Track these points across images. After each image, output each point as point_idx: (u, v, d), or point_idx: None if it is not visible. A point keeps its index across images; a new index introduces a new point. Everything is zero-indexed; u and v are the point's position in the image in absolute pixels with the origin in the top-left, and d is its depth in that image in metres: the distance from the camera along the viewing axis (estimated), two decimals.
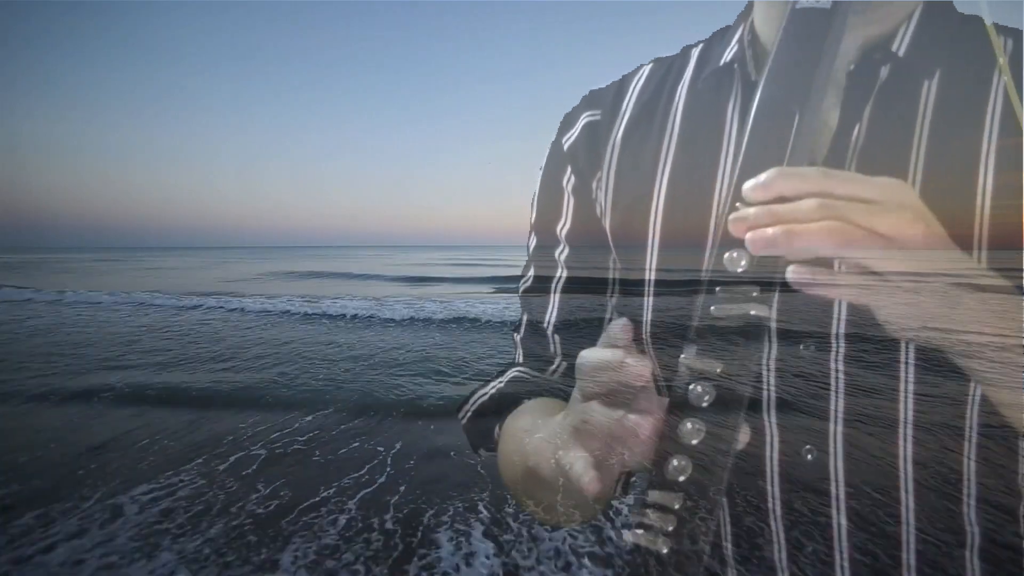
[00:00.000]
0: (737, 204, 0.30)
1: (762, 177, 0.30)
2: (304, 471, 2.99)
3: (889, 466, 0.41)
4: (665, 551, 0.31)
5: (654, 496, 0.32)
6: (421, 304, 9.65)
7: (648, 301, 0.50)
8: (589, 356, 0.32)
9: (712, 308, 0.32)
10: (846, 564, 0.43)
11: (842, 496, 0.42)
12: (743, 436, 0.32)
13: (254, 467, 3.01)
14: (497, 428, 0.53)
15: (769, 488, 0.44)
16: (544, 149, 0.60)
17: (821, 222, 0.29)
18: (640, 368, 0.30)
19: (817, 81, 0.32)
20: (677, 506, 0.31)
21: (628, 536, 0.32)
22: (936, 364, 0.39)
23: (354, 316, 8.73)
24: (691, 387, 0.31)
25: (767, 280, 0.31)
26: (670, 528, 0.31)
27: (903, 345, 0.40)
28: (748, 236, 0.30)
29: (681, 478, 0.31)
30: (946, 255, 0.31)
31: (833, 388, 0.42)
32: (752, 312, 0.31)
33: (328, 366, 5.44)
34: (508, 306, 9.28)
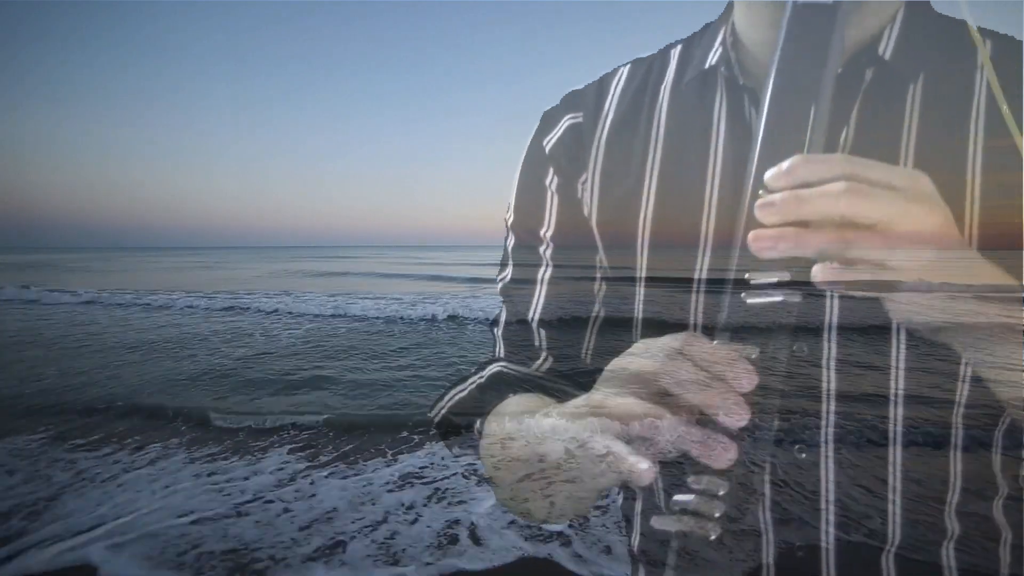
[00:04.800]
0: (760, 192, 0.30)
1: (785, 164, 0.29)
2: None
3: (879, 465, 0.42)
4: (713, 537, 0.31)
5: (699, 482, 0.32)
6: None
7: (639, 300, 0.49)
8: (676, 362, 0.32)
9: (743, 295, 0.32)
10: (832, 561, 0.43)
11: (831, 492, 0.43)
12: (776, 424, 0.33)
13: None
14: (479, 422, 0.51)
15: (763, 483, 0.44)
16: None
17: (844, 203, 0.28)
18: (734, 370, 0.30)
19: (827, 73, 0.32)
20: (723, 492, 0.31)
21: (673, 523, 0.32)
22: (926, 344, 0.40)
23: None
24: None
25: (797, 270, 0.31)
26: (718, 515, 0.31)
27: (894, 334, 0.41)
28: (754, 237, 0.29)
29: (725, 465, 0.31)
30: (959, 250, 0.31)
31: (825, 385, 0.42)
32: (782, 299, 0.31)
33: None
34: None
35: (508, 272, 0.59)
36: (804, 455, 0.43)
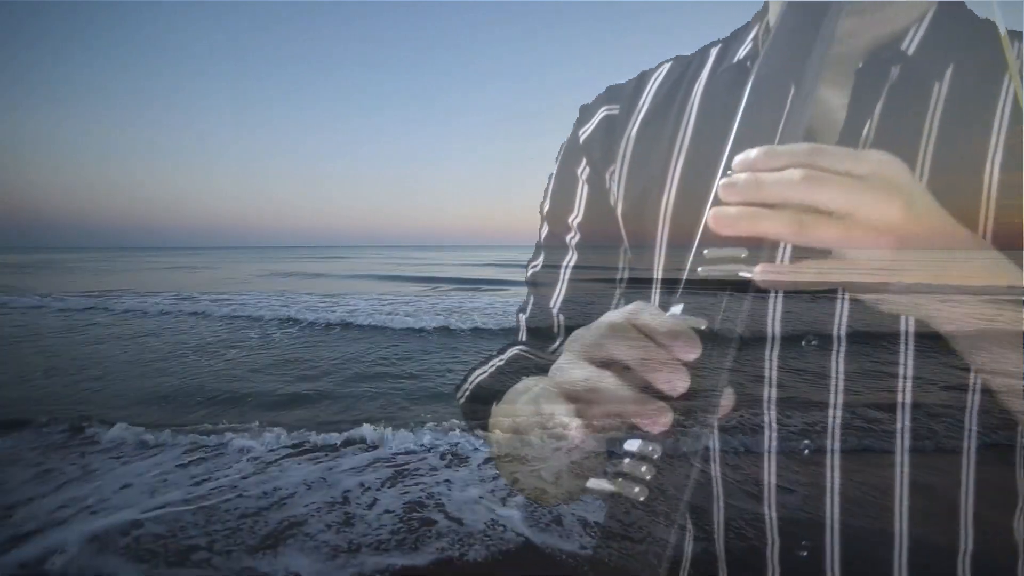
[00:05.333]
0: (728, 172, 0.31)
1: (751, 153, 0.30)
2: None
3: (886, 465, 0.42)
4: (642, 499, 0.31)
5: (633, 445, 0.32)
6: None
7: (656, 291, 0.50)
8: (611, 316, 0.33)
9: (700, 269, 0.32)
10: (837, 560, 0.43)
11: (837, 490, 0.42)
12: (726, 401, 0.32)
13: None
14: (494, 405, 0.52)
15: (765, 481, 0.44)
16: (549, 148, 0.62)
17: (792, 192, 0.28)
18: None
19: (812, 58, 0.32)
20: (656, 456, 0.31)
21: (605, 485, 0.32)
22: (936, 352, 0.39)
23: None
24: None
25: (753, 251, 0.31)
26: (648, 477, 0.31)
27: (902, 337, 0.40)
28: (714, 214, 0.30)
29: (660, 430, 0.31)
30: (934, 227, 0.30)
31: (833, 383, 0.42)
32: (740, 274, 0.31)
33: None
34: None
35: (540, 260, 0.61)
36: (809, 451, 0.43)
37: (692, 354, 0.30)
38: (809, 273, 0.30)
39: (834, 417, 0.42)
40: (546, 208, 0.61)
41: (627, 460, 0.32)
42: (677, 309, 0.32)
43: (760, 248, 0.30)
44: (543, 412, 0.33)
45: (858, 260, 0.30)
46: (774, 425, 0.44)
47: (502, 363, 0.56)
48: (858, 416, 0.42)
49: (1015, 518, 0.43)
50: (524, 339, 0.59)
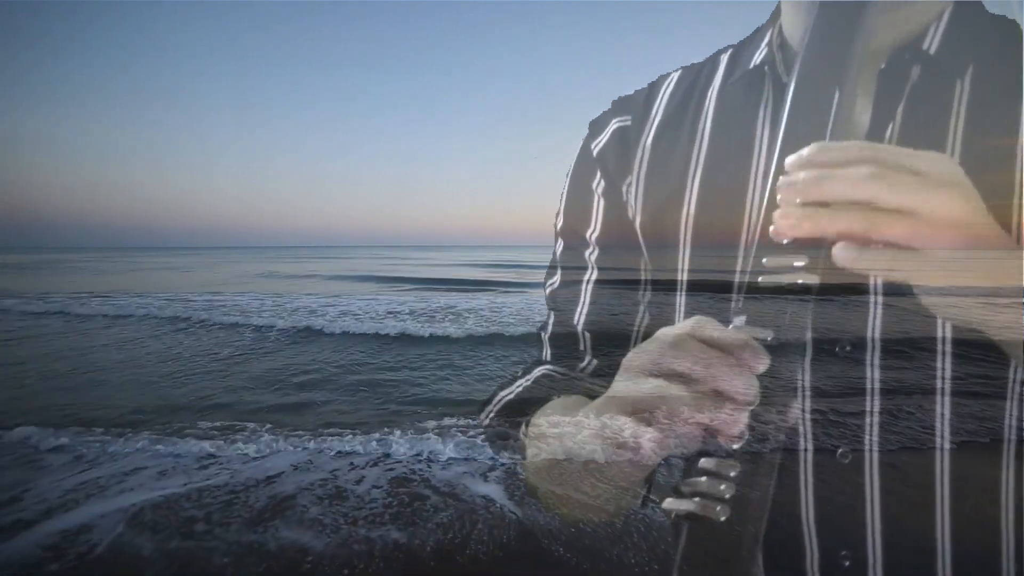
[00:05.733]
0: (782, 176, 0.31)
1: (804, 152, 0.30)
2: None
3: (926, 469, 0.41)
4: (723, 519, 0.31)
5: (709, 463, 0.31)
6: None
7: (681, 301, 0.49)
8: (671, 330, 0.32)
9: (760, 279, 0.32)
10: (879, 567, 0.42)
11: (877, 499, 0.42)
12: (798, 408, 0.32)
13: None
14: (523, 427, 0.51)
15: (803, 489, 0.44)
16: (549, 148, 0.61)
17: (865, 189, 0.28)
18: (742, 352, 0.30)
19: (855, 59, 0.32)
20: (733, 474, 0.31)
21: (685, 504, 0.32)
22: (974, 350, 0.39)
23: None
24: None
25: (814, 254, 0.31)
26: (728, 496, 0.31)
27: (940, 337, 0.40)
28: (779, 216, 0.30)
29: (736, 446, 0.31)
30: (987, 234, 0.30)
31: (869, 389, 0.41)
32: (800, 281, 0.31)
33: None
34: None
35: (557, 278, 0.60)
36: (848, 459, 0.42)
37: (761, 365, 0.30)
38: (884, 263, 0.30)
39: (871, 424, 0.42)
40: (560, 224, 0.60)
41: (704, 479, 0.31)
42: (740, 321, 0.32)
43: (820, 252, 0.30)
44: (608, 428, 0.32)
45: (927, 255, 0.29)
46: (809, 433, 0.43)
47: (529, 383, 0.55)
48: (896, 421, 0.42)
49: None
50: (549, 358, 0.58)
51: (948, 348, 0.40)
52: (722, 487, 0.31)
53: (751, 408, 0.30)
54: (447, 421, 3.80)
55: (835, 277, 0.33)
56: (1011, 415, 0.40)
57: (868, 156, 0.29)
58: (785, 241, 0.30)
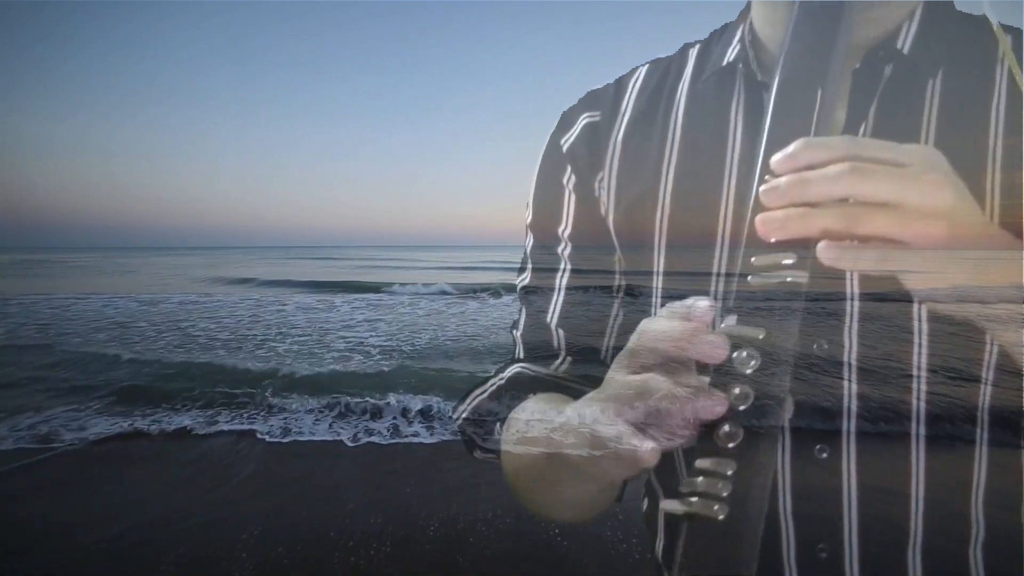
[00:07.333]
0: (767, 177, 0.30)
1: (790, 148, 0.30)
2: None
3: (902, 462, 0.41)
4: (721, 517, 0.31)
5: (705, 463, 0.31)
6: None
7: (656, 299, 0.49)
8: (654, 324, 0.32)
9: (749, 278, 0.32)
10: (855, 559, 0.42)
11: (854, 492, 0.42)
12: (789, 406, 0.31)
13: None
14: (498, 425, 0.50)
15: (780, 483, 0.44)
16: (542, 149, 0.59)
17: (843, 186, 0.28)
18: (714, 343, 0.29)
19: (836, 59, 0.32)
20: (730, 472, 0.31)
21: (682, 505, 0.31)
22: (948, 341, 0.40)
23: None
24: (735, 353, 0.31)
25: (802, 253, 0.31)
26: (725, 494, 0.31)
27: (916, 330, 0.40)
28: (760, 220, 0.29)
29: (731, 445, 0.31)
30: (976, 224, 0.30)
31: (846, 385, 0.42)
32: (789, 279, 0.31)
33: None
34: None
35: (527, 274, 0.59)
36: (825, 454, 0.42)
37: (718, 356, 0.29)
38: (870, 258, 0.29)
39: (848, 418, 0.42)
40: (530, 219, 0.59)
41: (700, 479, 0.31)
42: (731, 320, 0.32)
43: (808, 250, 0.30)
44: (600, 427, 0.31)
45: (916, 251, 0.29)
46: (787, 429, 0.43)
47: (503, 382, 0.54)
48: (872, 414, 0.42)
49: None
50: (522, 355, 0.57)
51: (924, 341, 0.40)
52: (718, 485, 0.31)
53: (720, 364, 0.30)
54: None
55: (824, 276, 0.33)
56: (983, 408, 0.41)
57: (847, 152, 0.29)
58: (772, 240, 0.30)
